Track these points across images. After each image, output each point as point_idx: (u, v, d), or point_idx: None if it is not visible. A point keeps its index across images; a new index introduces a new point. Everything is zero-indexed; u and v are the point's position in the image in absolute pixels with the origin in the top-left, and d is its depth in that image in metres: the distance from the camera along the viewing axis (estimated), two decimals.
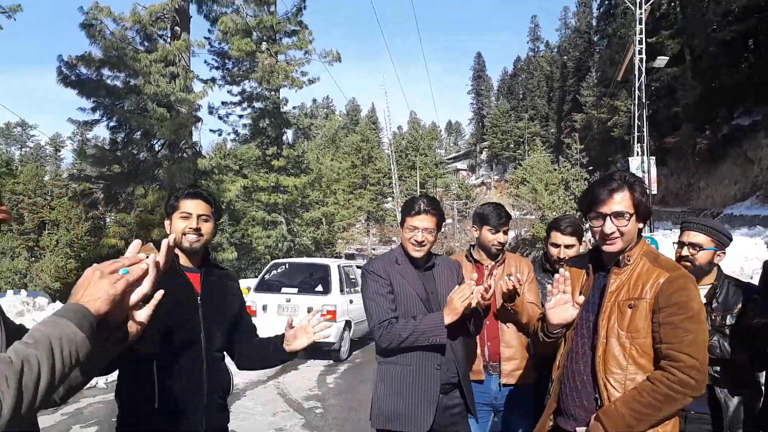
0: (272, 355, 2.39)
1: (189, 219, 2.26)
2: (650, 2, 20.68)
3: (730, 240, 2.68)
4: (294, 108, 28.76)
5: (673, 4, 43.06)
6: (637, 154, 18.89)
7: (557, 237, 3.29)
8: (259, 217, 28.36)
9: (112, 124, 21.11)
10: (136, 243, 1.29)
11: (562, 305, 2.06)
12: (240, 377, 8.44)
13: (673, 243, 2.82)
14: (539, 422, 2.24)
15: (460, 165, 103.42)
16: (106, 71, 19.82)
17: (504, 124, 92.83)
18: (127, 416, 2.18)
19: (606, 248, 2.02)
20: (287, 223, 29.09)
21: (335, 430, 5.92)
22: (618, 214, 1.97)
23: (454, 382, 2.62)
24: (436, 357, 2.56)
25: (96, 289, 1.16)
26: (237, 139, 29.09)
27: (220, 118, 26.57)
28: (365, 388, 8.13)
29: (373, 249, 59.83)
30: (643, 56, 20.63)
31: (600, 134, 57.66)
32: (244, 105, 27.24)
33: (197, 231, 2.25)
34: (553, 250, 3.27)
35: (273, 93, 26.77)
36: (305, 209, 30.83)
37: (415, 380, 2.55)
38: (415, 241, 2.61)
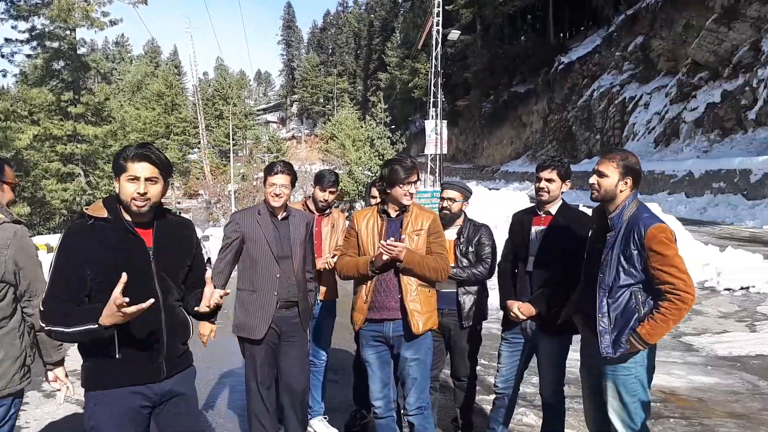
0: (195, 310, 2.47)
1: (136, 182, 2.24)
2: None
3: (471, 193, 4.09)
4: (93, 50, 26.56)
5: None
6: (432, 117, 21.34)
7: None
8: (54, 169, 26.10)
9: None
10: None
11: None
12: None
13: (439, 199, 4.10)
14: (358, 319, 3.36)
15: (270, 117, 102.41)
16: None
17: (314, 78, 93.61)
18: (90, 367, 2.30)
19: (406, 202, 3.27)
20: (86, 175, 27.19)
21: None
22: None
23: (294, 300, 3.66)
24: (275, 285, 3.56)
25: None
26: (26, 81, 26.13)
27: (3, 56, 23.67)
28: None
29: (178, 203, 57.55)
30: (440, 27, 22.84)
31: (402, 94, 61.51)
32: (34, 44, 24.52)
33: (144, 195, 2.24)
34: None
35: (69, 33, 24.45)
36: (106, 161, 28.99)
37: (257, 301, 3.57)
38: (274, 194, 3.59)
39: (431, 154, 21.93)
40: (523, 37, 50.07)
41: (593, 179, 2.85)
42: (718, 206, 19.00)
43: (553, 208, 3.47)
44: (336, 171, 4.55)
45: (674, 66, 29.09)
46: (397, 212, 3.32)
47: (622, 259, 2.70)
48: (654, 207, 10.42)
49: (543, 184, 3.43)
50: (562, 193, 3.50)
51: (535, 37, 48.61)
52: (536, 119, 43.80)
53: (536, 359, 3.54)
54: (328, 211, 4.41)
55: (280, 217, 3.67)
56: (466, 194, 4.00)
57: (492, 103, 48.32)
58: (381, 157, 47.36)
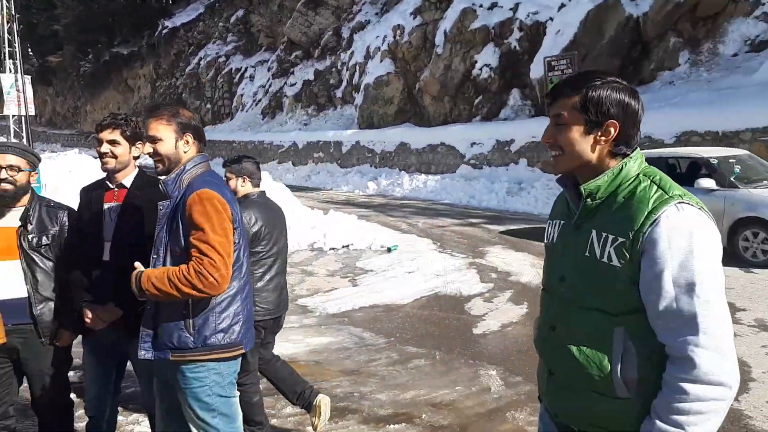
0: None
1: None
2: None
3: (40, 161, 3.00)
4: None
5: None
6: (11, 71, 17.63)
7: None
8: None
9: None
10: None
11: None
12: None
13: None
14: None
15: None
16: None
17: None
18: None
19: None
20: None
21: None
22: None
23: None
24: None
25: None
26: None
27: None
28: None
29: None
30: None
31: None
32: None
33: None
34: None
35: None
36: None
37: None
38: None
39: (14, 116, 18.17)
40: None
41: (148, 148, 2.34)
42: (319, 174, 21.17)
43: (128, 180, 2.76)
44: None
45: (273, 42, 30.94)
46: None
47: (170, 234, 2.21)
48: (265, 175, 10.69)
49: (105, 147, 2.67)
50: (136, 158, 2.79)
51: None
52: (144, 84, 41.30)
53: (132, 368, 2.87)
54: None
55: None
56: (35, 161, 2.91)
57: (92, 63, 43.33)
58: None
